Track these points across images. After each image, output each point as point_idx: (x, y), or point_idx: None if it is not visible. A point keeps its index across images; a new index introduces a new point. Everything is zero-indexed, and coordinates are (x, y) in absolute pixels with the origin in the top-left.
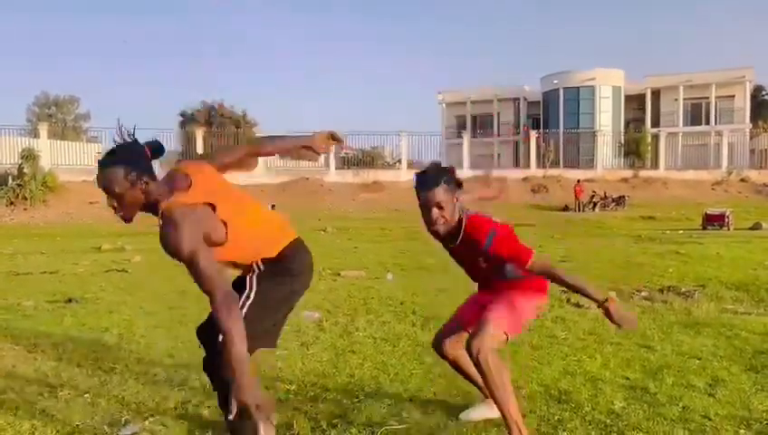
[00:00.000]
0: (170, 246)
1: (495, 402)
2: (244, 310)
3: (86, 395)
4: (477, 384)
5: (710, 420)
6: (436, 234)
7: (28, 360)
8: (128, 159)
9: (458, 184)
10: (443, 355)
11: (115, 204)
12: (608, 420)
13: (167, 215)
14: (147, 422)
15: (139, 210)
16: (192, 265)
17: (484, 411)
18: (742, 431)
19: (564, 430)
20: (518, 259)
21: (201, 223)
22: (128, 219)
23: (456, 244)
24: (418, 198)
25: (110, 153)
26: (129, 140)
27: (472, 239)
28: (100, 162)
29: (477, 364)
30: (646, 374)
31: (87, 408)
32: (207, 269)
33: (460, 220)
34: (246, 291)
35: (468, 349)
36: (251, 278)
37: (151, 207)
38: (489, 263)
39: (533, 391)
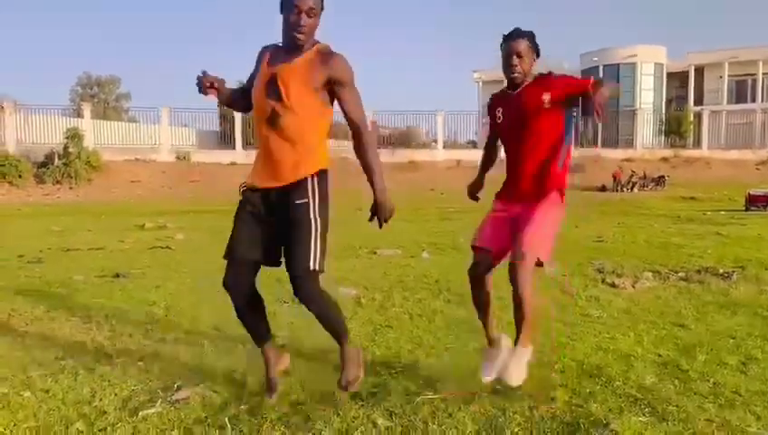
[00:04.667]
0: (349, 67)
1: (523, 327)
2: (320, 240)
3: (140, 363)
4: (486, 324)
5: (740, 395)
6: (511, 82)
7: (83, 330)
8: None
9: (538, 51)
10: (479, 286)
11: (306, 21)
12: (638, 395)
13: (332, 51)
14: (198, 388)
15: (306, 37)
16: (354, 90)
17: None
18: None
19: (595, 402)
20: (583, 83)
21: None
22: (303, 38)
23: (523, 87)
24: (502, 51)
25: None
26: None
27: (537, 88)
28: None
29: (520, 298)
30: (678, 352)
31: (142, 374)
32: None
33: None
34: (313, 223)
35: (513, 281)
36: (314, 211)
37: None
38: (553, 102)
39: (566, 365)
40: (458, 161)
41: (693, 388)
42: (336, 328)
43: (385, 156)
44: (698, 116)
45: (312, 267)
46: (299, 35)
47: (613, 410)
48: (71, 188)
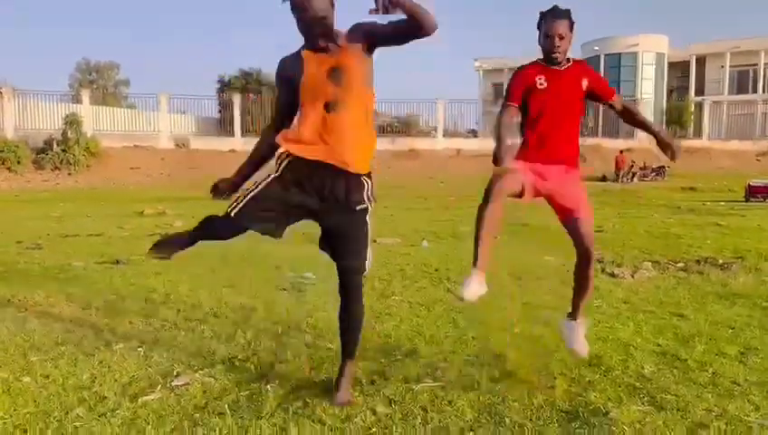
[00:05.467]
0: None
1: (590, 286)
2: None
3: (139, 349)
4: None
5: (739, 385)
6: (551, 61)
7: (83, 316)
8: None
9: (573, 23)
10: (495, 200)
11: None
12: (637, 383)
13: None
14: (197, 374)
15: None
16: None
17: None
18: None
19: (594, 391)
20: (609, 90)
21: None
22: (323, 41)
23: (564, 69)
24: (545, 26)
25: None
26: None
27: (579, 71)
28: None
29: (589, 281)
30: (677, 342)
31: (141, 360)
32: None
33: (568, 60)
34: (368, 227)
35: (588, 253)
36: (370, 216)
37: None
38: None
39: (565, 354)
40: (458, 150)
41: (692, 377)
42: (355, 339)
43: (385, 144)
44: (699, 106)
45: (366, 268)
46: (319, 39)
47: (612, 398)
48: (69, 174)
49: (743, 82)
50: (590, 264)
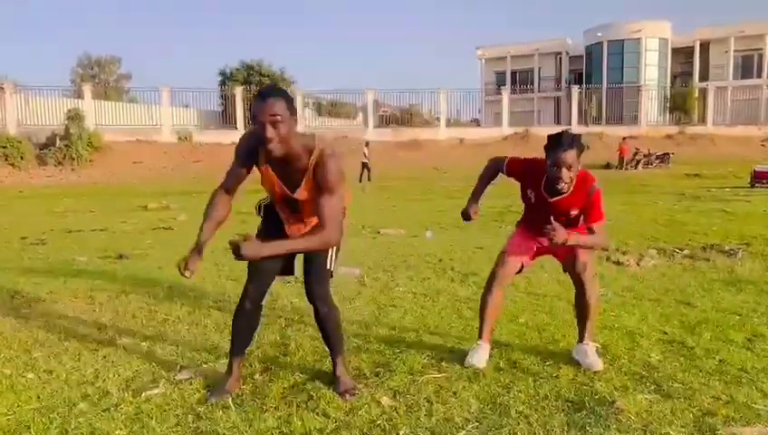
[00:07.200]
0: (336, 173)
1: (590, 312)
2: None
3: (143, 344)
4: (489, 324)
5: (746, 372)
6: (555, 191)
7: (87, 311)
8: (287, 95)
9: (582, 151)
10: (496, 289)
11: (272, 133)
12: (644, 372)
13: (331, 151)
14: (200, 368)
15: (281, 146)
16: (336, 198)
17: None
18: None
19: (600, 380)
20: (598, 216)
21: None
22: (277, 148)
23: (559, 198)
24: (552, 157)
25: (273, 87)
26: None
27: (575, 193)
28: (265, 91)
29: (584, 280)
30: (684, 329)
31: (145, 355)
32: (339, 209)
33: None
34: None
35: (579, 272)
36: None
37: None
38: (579, 214)
39: (571, 343)
40: (461, 139)
41: (698, 365)
42: (338, 338)
43: (387, 135)
44: (703, 92)
45: (328, 267)
46: (271, 147)
47: (618, 387)
48: (72, 169)
49: (747, 66)
50: (584, 291)
